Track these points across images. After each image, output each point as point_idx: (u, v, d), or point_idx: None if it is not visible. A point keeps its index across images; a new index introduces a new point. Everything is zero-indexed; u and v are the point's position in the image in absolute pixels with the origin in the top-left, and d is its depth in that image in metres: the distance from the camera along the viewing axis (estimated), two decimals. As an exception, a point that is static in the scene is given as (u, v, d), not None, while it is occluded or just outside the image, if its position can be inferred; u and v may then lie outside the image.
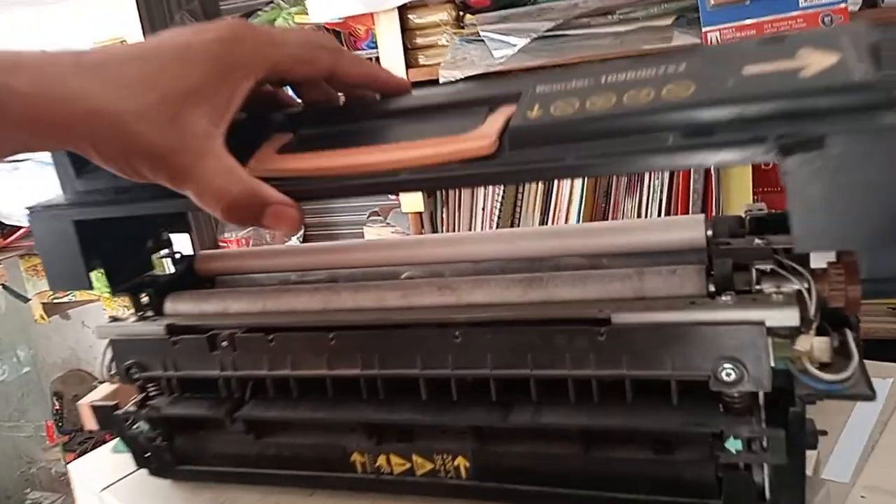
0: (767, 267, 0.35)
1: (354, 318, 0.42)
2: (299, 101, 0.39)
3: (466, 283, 0.42)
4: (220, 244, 1.44)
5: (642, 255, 0.42)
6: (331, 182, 0.34)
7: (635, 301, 0.37)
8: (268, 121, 0.37)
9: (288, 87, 0.39)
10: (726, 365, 0.34)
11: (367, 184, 0.34)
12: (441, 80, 1.11)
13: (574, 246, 0.43)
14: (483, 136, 0.31)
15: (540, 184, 1.18)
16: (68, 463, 1.04)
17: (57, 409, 1.69)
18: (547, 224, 1.18)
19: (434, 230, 1.24)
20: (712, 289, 0.37)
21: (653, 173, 1.10)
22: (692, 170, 1.06)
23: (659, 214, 1.11)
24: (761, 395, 0.35)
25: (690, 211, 1.08)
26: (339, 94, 0.38)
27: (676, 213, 1.10)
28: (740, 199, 1.07)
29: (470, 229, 1.23)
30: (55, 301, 1.54)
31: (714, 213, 1.06)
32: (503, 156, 0.31)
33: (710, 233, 0.40)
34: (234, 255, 0.53)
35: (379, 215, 1.34)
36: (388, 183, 0.33)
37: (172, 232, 0.53)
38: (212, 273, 0.53)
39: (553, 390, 0.38)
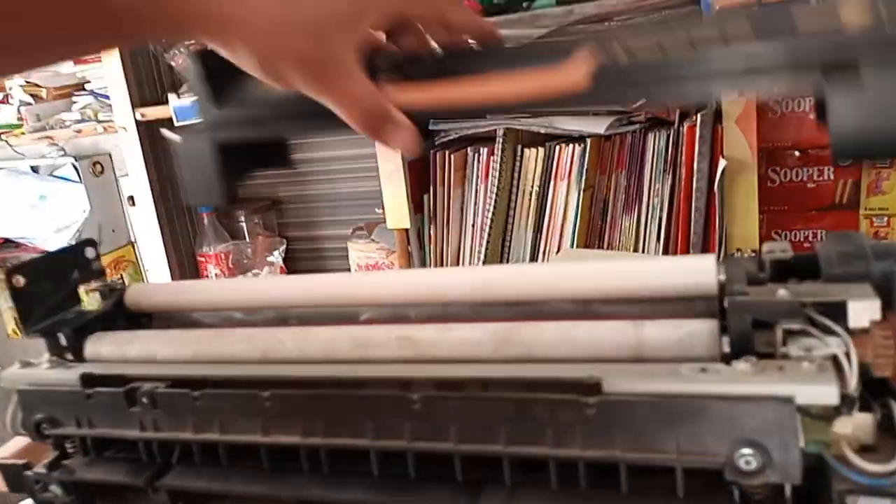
0: (796, 326, 0.29)
1: (296, 372, 0.35)
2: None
3: (429, 334, 0.35)
4: (198, 259, 1.37)
5: (641, 301, 0.35)
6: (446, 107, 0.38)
7: (632, 364, 0.30)
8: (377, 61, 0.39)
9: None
10: (745, 450, 0.27)
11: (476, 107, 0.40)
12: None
13: (561, 288, 0.36)
14: (576, 71, 0.34)
15: (533, 199, 1.11)
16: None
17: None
18: (539, 242, 1.11)
19: (421, 247, 1.18)
20: (727, 349, 0.30)
21: (652, 191, 1.04)
22: (694, 187, 1.00)
23: (658, 233, 1.04)
24: (788, 486, 0.28)
25: (692, 231, 1.01)
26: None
27: (677, 233, 1.03)
28: (746, 218, 1.00)
29: (459, 247, 1.17)
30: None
31: (718, 235, 0.99)
32: (595, 89, 0.33)
33: (722, 277, 0.33)
34: (170, 290, 0.46)
35: (363, 230, 1.27)
36: (496, 105, 0.37)
37: (271, 166, 0.48)
38: (146, 309, 0.46)
39: (532, 469, 0.31)
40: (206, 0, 0.34)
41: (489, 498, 0.31)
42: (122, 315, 0.46)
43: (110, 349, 0.42)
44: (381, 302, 0.40)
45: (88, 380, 0.39)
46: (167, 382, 0.37)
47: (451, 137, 1.15)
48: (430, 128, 1.13)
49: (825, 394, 0.26)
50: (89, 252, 0.47)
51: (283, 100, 0.38)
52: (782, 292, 0.30)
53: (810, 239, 1.08)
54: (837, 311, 0.29)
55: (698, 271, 0.33)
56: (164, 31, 0.36)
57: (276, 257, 1.36)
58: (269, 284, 0.43)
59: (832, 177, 1.05)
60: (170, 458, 0.38)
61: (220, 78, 0.41)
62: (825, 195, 1.06)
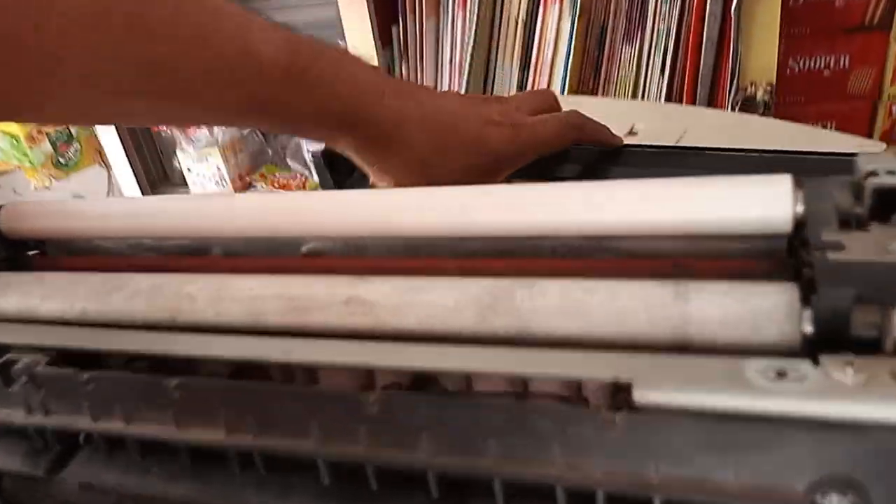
0: (925, 311, 0.19)
1: (210, 348, 0.26)
2: None
3: (389, 296, 0.25)
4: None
5: (679, 238, 0.25)
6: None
7: (674, 357, 0.21)
8: None
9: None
10: (834, 491, 0.19)
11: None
12: None
13: (569, 219, 0.26)
14: None
15: (519, 28, 0.96)
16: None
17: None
18: (527, 79, 0.98)
19: (392, 89, 1.04)
20: (809, 329, 0.21)
21: (658, 16, 0.89)
22: (707, 11, 0.85)
23: (663, 66, 0.92)
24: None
25: (701, 63, 0.88)
26: None
27: (684, 65, 0.90)
28: (764, 47, 0.87)
29: (435, 87, 1.03)
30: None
31: (731, 68, 0.87)
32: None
33: (800, 209, 0.23)
34: (58, 212, 0.35)
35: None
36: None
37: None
38: (28, 236, 0.36)
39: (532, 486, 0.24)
40: (372, 153, 0.37)
41: (476, 519, 0.24)
42: (3, 245, 0.36)
43: (-19, 299, 0.32)
44: (335, 231, 0.30)
45: (-51, 349, 0.29)
46: (51, 355, 0.28)
47: (422, -46, 0.97)
48: (396, -57, 0.95)
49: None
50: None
51: None
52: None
53: (831, 66, 0.95)
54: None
55: (767, 197, 0.24)
56: (325, 142, 0.40)
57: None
58: (186, 207, 0.33)
59: (866, -9, 0.90)
60: (74, 440, 0.30)
61: (340, 172, 0.46)
62: (854, 14, 0.91)
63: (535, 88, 0.98)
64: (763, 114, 0.88)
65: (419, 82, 1.02)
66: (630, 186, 0.26)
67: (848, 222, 0.23)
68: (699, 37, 0.88)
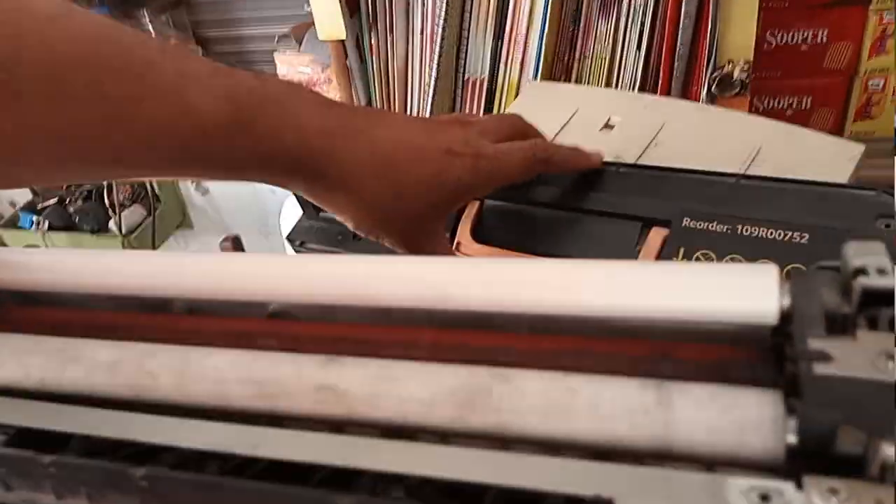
0: (914, 441, 0.19)
1: (175, 435, 0.25)
2: None
3: (362, 387, 0.24)
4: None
5: (656, 326, 0.25)
6: None
7: (657, 469, 0.21)
8: None
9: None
10: None
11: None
12: None
13: (548, 299, 0.25)
14: None
15: (492, 1, 0.93)
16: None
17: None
18: (500, 52, 0.95)
19: (361, 60, 1.00)
20: (793, 440, 0.21)
21: (636, -10, 0.86)
22: (687, -14, 0.83)
23: (639, 41, 0.89)
24: None
25: (678, 41, 0.86)
26: None
27: (661, 42, 0.88)
28: (743, 23, 0.85)
29: (407, 59, 1.00)
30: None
31: (708, 45, 0.85)
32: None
33: (786, 302, 0.23)
34: (18, 264, 0.33)
35: (290, 38, 1.07)
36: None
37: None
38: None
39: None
40: (323, 198, 0.36)
41: None
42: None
43: (-71, 362, 0.30)
44: (302, 295, 0.29)
45: None
46: (9, 433, 0.27)
47: (391, -82, 0.92)
48: None
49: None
50: None
51: None
52: (887, 360, 0.20)
53: (809, 40, 0.94)
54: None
55: (752, 292, 0.23)
56: (274, 185, 0.36)
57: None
58: (144, 266, 0.31)
59: (846, -35, 0.88)
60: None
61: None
62: (835, -12, 0.90)
63: (509, 61, 0.95)
64: (739, 92, 0.87)
65: (390, 54, 0.99)
66: (613, 268, 0.25)
67: (835, 320, 0.22)
68: (677, 13, 0.85)
